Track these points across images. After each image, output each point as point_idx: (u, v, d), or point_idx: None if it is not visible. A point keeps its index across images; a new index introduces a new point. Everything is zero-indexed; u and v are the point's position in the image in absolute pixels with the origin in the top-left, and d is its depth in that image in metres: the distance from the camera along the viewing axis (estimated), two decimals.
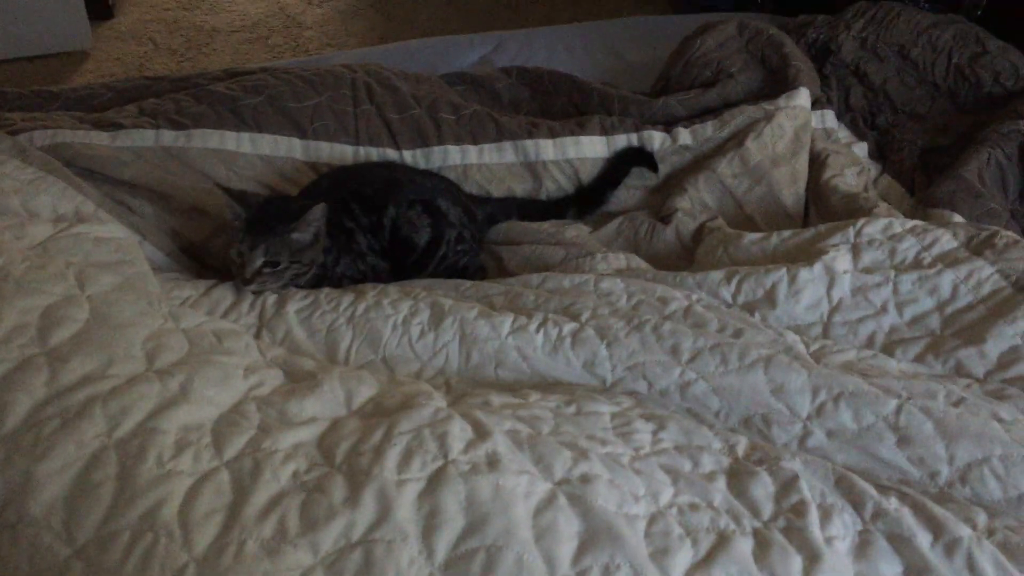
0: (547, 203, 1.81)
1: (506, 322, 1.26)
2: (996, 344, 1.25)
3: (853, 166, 1.81)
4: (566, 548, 0.85)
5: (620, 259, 1.53)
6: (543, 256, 1.61)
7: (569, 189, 1.82)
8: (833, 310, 1.35)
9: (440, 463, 0.91)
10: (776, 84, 1.95)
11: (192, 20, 3.68)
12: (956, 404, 1.12)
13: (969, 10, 2.35)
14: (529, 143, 1.81)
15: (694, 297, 1.34)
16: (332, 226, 1.49)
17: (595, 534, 0.87)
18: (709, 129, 1.85)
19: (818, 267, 1.37)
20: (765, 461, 1.03)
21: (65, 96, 1.88)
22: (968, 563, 0.92)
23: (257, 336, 1.28)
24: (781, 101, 1.86)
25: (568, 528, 0.87)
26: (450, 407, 1.03)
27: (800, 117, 1.84)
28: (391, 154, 1.78)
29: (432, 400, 1.03)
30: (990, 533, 0.96)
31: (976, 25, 2.17)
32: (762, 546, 0.91)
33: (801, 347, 1.26)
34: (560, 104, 2.01)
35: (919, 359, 1.27)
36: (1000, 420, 1.10)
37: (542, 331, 1.24)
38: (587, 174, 1.82)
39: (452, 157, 1.78)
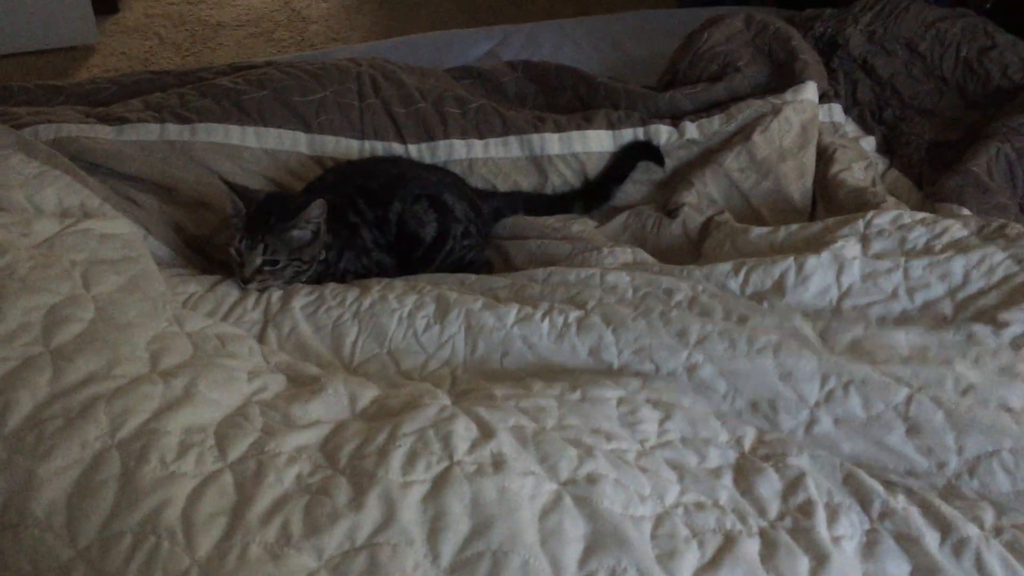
0: (553, 198, 1.80)
1: (511, 312, 1.26)
2: (1010, 329, 1.23)
3: (860, 160, 1.80)
4: (572, 552, 0.84)
5: (627, 253, 1.53)
6: (549, 251, 1.60)
7: (575, 184, 1.81)
8: (842, 296, 1.34)
9: (445, 464, 0.90)
10: (783, 78, 1.93)
11: (197, 15, 3.67)
12: (965, 393, 1.11)
13: (978, 3, 2.33)
14: (535, 137, 1.80)
15: (699, 287, 1.33)
16: (336, 221, 1.48)
17: (601, 537, 0.86)
18: (716, 123, 1.85)
19: (826, 254, 1.36)
20: (772, 457, 1.02)
21: (70, 90, 1.88)
22: (977, 563, 0.91)
23: (263, 332, 1.28)
24: (788, 95, 1.86)
25: (574, 531, 0.86)
26: (455, 404, 1.02)
27: (807, 111, 1.84)
28: (397, 148, 1.77)
29: (436, 399, 1.02)
30: (997, 532, 0.96)
31: (985, 18, 2.16)
32: (769, 547, 0.90)
33: (808, 329, 1.24)
34: (566, 98, 2.00)
35: (930, 331, 1.25)
36: (1010, 410, 1.09)
37: (547, 319, 1.24)
38: (593, 168, 1.82)
39: (458, 151, 1.78)
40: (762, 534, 0.92)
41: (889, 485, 1.01)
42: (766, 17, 2.11)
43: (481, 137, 1.80)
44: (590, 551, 0.85)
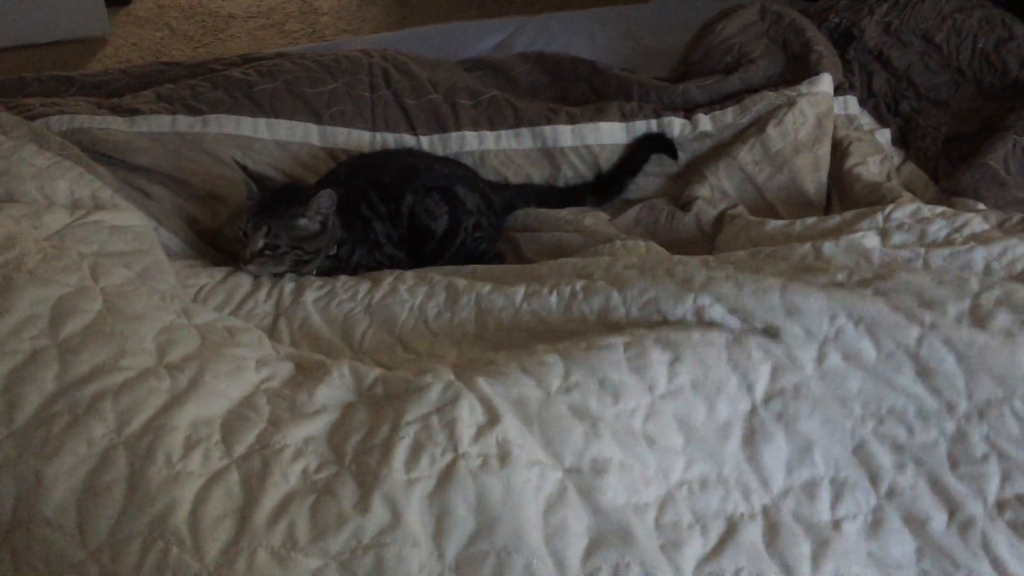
0: (565, 190, 1.79)
1: (519, 291, 1.26)
2: None
3: (876, 154, 1.79)
4: (575, 548, 0.84)
5: (639, 245, 1.52)
6: (561, 243, 1.59)
7: (587, 176, 1.80)
8: None
9: (450, 457, 0.89)
10: (798, 70, 1.92)
11: (208, 6, 3.67)
12: (982, 323, 1.08)
13: None
14: (547, 129, 1.79)
15: (711, 261, 1.31)
16: (349, 215, 1.48)
17: (604, 531, 0.86)
18: (729, 115, 1.83)
19: (844, 241, 1.34)
20: (783, 417, 1.00)
21: (82, 81, 1.88)
22: (983, 542, 0.93)
23: (274, 324, 1.28)
24: (803, 87, 1.84)
25: (578, 524, 0.86)
26: (458, 378, 1.00)
27: (822, 103, 1.82)
28: (408, 140, 1.76)
29: (439, 377, 1.00)
30: (1000, 509, 0.96)
31: (1002, 9, 2.13)
32: (771, 529, 0.91)
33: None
34: (579, 90, 1.98)
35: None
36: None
37: (555, 292, 1.23)
38: (606, 161, 1.80)
39: (469, 143, 1.77)
40: (765, 513, 0.92)
41: (899, 451, 1.00)
42: (781, 8, 2.09)
43: (493, 129, 1.79)
44: (594, 547, 0.85)
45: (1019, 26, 2.07)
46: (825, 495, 0.95)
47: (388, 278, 1.36)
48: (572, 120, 1.81)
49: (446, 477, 0.87)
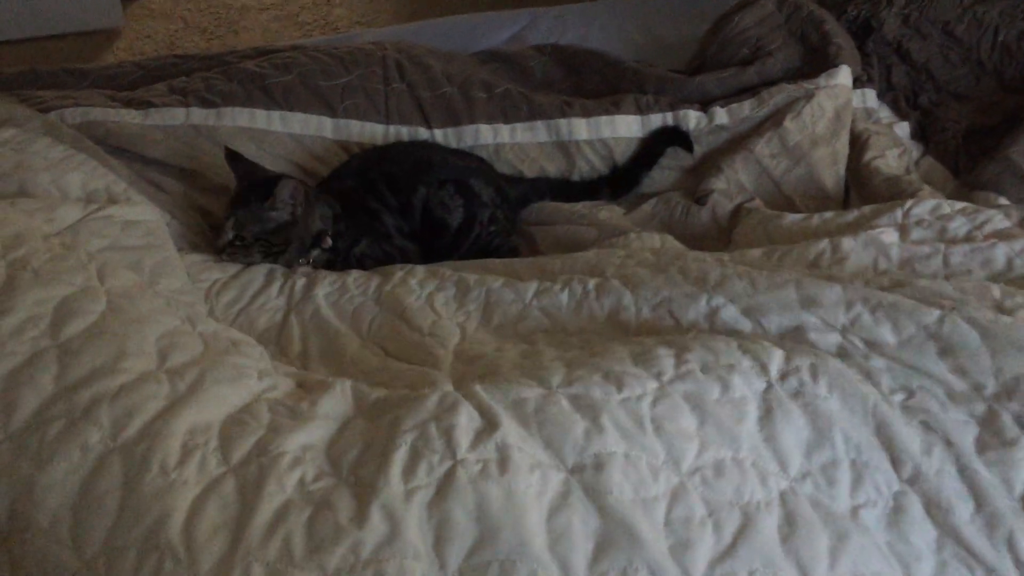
0: (580, 184, 1.78)
1: (531, 287, 1.25)
2: None
3: (895, 147, 1.77)
4: (581, 553, 0.82)
5: (654, 239, 1.50)
6: (576, 236, 1.58)
7: (603, 169, 1.79)
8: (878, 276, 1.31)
9: (448, 465, 0.87)
10: (816, 62, 1.89)
11: None
12: (1010, 310, 1.06)
13: None
14: (562, 122, 1.78)
15: (727, 259, 1.30)
16: (356, 207, 1.48)
17: (611, 533, 0.83)
18: (746, 108, 1.81)
19: (863, 237, 1.33)
20: (801, 395, 0.97)
21: (95, 74, 1.88)
22: (1008, 541, 0.89)
23: (285, 318, 1.27)
24: (821, 80, 1.82)
25: (584, 528, 0.84)
26: (456, 388, 0.99)
27: (841, 96, 1.80)
28: (422, 133, 1.76)
29: (437, 387, 0.99)
30: None
31: None
32: (788, 520, 0.87)
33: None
34: (594, 83, 1.97)
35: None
36: None
37: (567, 290, 1.22)
38: (621, 154, 1.79)
39: (484, 136, 1.76)
40: (782, 501, 0.88)
41: (927, 431, 0.96)
42: (799, 0, 2.07)
43: (507, 122, 1.78)
44: (600, 551, 0.82)
45: None
46: (845, 478, 0.91)
47: (399, 272, 1.36)
48: (587, 113, 1.79)
49: (445, 485, 0.85)
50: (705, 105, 1.85)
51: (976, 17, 2.05)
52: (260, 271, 1.37)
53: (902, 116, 1.94)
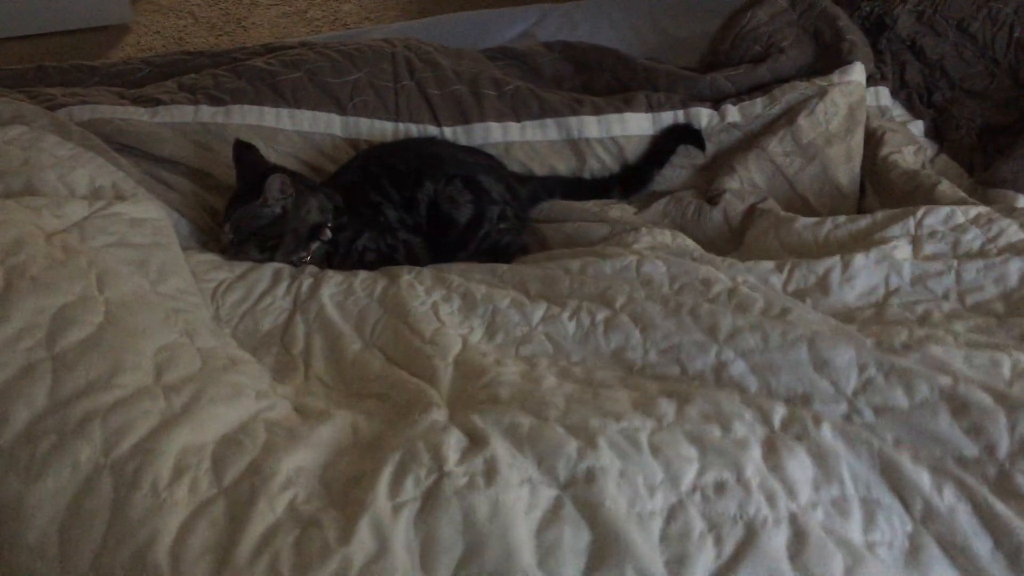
0: (591, 182, 1.76)
1: (538, 311, 1.24)
2: None
3: (910, 144, 1.75)
4: (572, 568, 0.80)
5: (666, 235, 1.49)
6: (587, 232, 1.57)
7: (613, 168, 1.77)
8: (889, 295, 1.29)
9: (435, 477, 0.86)
10: (829, 59, 1.88)
11: None
12: (1020, 376, 1.03)
13: None
14: (573, 120, 1.76)
15: (740, 279, 1.29)
16: (357, 201, 1.48)
17: (604, 547, 0.81)
18: (759, 106, 1.80)
19: (875, 253, 1.32)
20: (804, 438, 0.95)
21: (104, 71, 1.87)
22: None
23: (290, 319, 1.26)
24: (835, 77, 1.80)
25: (575, 542, 0.82)
26: (451, 418, 0.98)
27: (855, 93, 1.78)
28: (432, 131, 1.75)
29: (431, 411, 0.98)
30: None
31: None
32: (799, 538, 0.84)
33: (852, 329, 1.17)
34: (604, 80, 1.95)
35: (979, 330, 1.19)
36: None
37: (575, 319, 1.21)
38: (632, 152, 1.77)
39: (494, 134, 1.75)
40: (792, 520, 0.86)
41: (938, 473, 0.93)
42: None
43: (518, 120, 1.76)
44: (592, 566, 0.80)
45: None
46: (856, 514, 0.89)
47: (406, 275, 1.35)
48: (598, 111, 1.78)
49: (431, 498, 0.84)
50: (717, 103, 1.83)
51: (991, 14, 2.02)
52: (267, 271, 1.36)
53: (916, 114, 1.92)
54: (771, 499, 0.88)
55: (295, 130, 1.70)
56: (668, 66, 1.94)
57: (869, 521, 0.88)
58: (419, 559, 0.80)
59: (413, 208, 1.52)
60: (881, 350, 1.08)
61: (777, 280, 1.33)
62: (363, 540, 0.80)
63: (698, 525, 0.85)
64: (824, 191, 1.70)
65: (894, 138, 1.75)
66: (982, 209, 1.42)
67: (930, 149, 1.84)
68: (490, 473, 0.86)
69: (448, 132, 1.74)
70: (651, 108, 1.79)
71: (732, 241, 1.58)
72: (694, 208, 1.64)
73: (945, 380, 1.02)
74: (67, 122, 1.51)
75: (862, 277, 1.30)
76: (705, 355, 1.11)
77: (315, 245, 1.45)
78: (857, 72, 1.82)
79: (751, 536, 0.84)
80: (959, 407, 0.99)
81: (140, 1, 3.55)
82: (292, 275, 1.36)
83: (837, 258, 1.33)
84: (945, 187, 1.57)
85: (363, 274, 1.38)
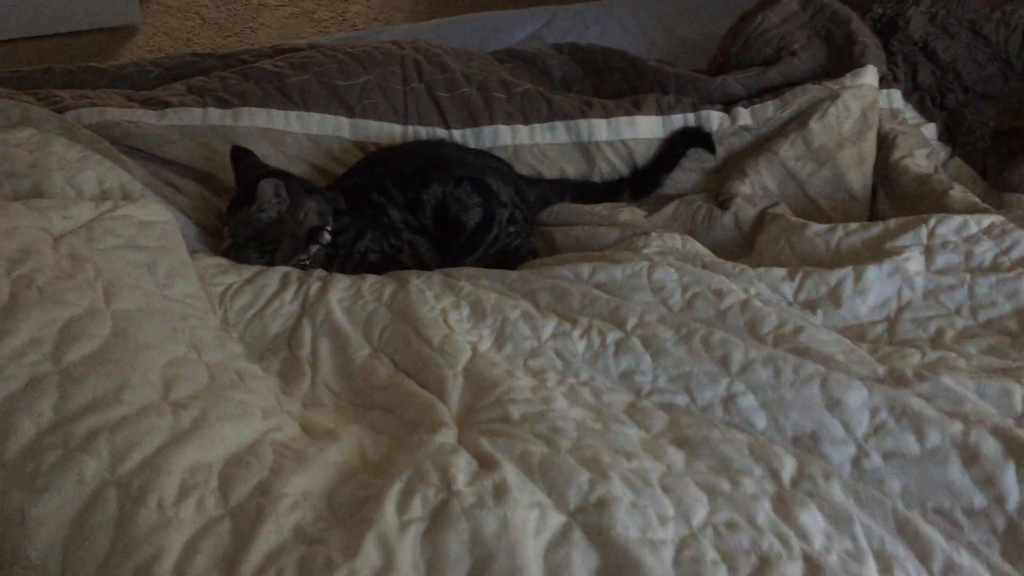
0: (600, 185, 1.75)
1: (548, 327, 1.22)
2: None
3: (923, 147, 1.74)
4: None
5: (675, 239, 1.48)
6: (597, 237, 1.56)
7: (623, 171, 1.76)
8: (901, 309, 1.29)
9: (443, 496, 0.85)
10: (841, 62, 1.86)
11: None
12: None
13: None
14: (582, 123, 1.76)
15: (752, 291, 1.28)
16: (359, 202, 1.47)
17: (614, 569, 0.80)
18: (770, 109, 1.78)
19: (887, 265, 1.31)
20: (815, 495, 0.94)
21: (113, 73, 1.87)
22: None
23: (298, 323, 1.25)
24: (847, 80, 1.79)
25: (584, 564, 0.81)
26: (460, 439, 0.97)
27: (867, 96, 1.77)
28: (441, 133, 1.74)
29: (439, 432, 0.98)
30: None
31: None
32: (814, 571, 0.83)
33: (863, 353, 1.16)
34: (614, 82, 1.94)
35: (991, 351, 1.19)
36: None
37: (585, 338, 1.20)
38: (642, 155, 1.76)
39: (503, 137, 1.74)
40: (807, 558, 0.85)
41: (952, 534, 0.93)
42: None
43: (527, 122, 1.75)
44: None
45: None
46: (871, 567, 0.88)
47: (415, 280, 1.34)
48: (607, 113, 1.77)
49: (439, 516, 0.84)
50: (728, 106, 1.82)
51: (1005, 16, 2.01)
52: (275, 275, 1.35)
53: (928, 117, 1.91)
54: (784, 541, 0.87)
55: (303, 133, 1.69)
56: (678, 68, 1.93)
57: (886, 572, 0.88)
58: (426, 575, 0.79)
59: (418, 209, 1.52)
60: (893, 383, 1.08)
61: (788, 289, 1.32)
62: (369, 555, 0.80)
63: (711, 554, 0.84)
64: (836, 195, 1.69)
65: (906, 141, 1.73)
66: (995, 218, 1.41)
67: (943, 152, 1.83)
68: (499, 494, 0.86)
69: (457, 135, 1.74)
70: (661, 111, 1.78)
71: (743, 246, 1.57)
72: (704, 212, 1.62)
73: (956, 427, 1.01)
74: (75, 124, 1.51)
75: (874, 290, 1.30)
76: (715, 386, 1.11)
77: (314, 248, 1.44)
78: (869, 75, 1.80)
79: (766, 566, 0.84)
80: (970, 457, 0.99)
81: (148, 2, 3.55)
82: (300, 279, 1.35)
83: (849, 269, 1.32)
84: (957, 192, 1.56)
85: (372, 278, 1.37)
